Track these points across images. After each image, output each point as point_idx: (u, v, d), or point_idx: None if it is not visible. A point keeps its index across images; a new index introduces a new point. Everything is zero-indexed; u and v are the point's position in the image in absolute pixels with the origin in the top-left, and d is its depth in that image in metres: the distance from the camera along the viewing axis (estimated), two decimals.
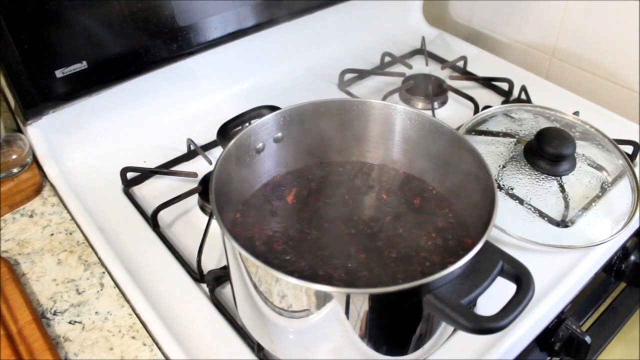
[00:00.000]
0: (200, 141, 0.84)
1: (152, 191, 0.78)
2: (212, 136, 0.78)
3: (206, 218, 0.73)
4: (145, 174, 0.80)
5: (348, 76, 0.99)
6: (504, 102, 0.95)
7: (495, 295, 0.48)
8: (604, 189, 0.73)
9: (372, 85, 1.01)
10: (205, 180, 0.76)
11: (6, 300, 0.60)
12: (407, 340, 0.49)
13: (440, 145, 0.59)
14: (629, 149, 0.81)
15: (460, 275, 0.44)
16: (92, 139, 0.81)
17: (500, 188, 0.72)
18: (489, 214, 0.48)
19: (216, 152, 0.84)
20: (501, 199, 0.71)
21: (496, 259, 0.45)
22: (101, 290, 0.64)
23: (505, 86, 0.97)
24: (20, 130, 0.81)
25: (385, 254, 0.54)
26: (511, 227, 0.67)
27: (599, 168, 0.75)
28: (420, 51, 1.09)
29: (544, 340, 0.69)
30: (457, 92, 0.95)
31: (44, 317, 0.61)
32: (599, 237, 0.68)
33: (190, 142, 0.83)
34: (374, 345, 0.48)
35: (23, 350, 0.56)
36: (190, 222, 0.74)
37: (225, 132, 0.73)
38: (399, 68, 1.02)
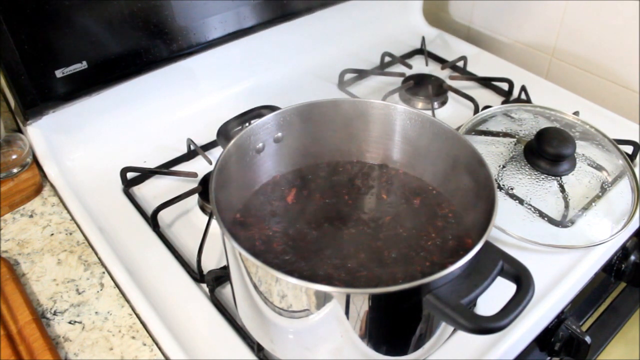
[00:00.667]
0: (200, 141, 0.84)
1: (152, 191, 0.78)
2: (212, 136, 0.77)
3: (206, 218, 0.73)
4: (145, 174, 0.80)
5: (348, 76, 0.99)
6: (504, 102, 0.95)
7: (495, 295, 0.48)
8: (604, 189, 0.73)
9: (372, 85, 1.01)
10: (205, 180, 0.76)
11: (6, 300, 0.60)
12: (407, 340, 0.49)
13: (440, 145, 0.59)
14: (629, 149, 0.81)
15: (460, 275, 0.44)
16: (92, 139, 0.81)
17: (500, 188, 0.72)
18: (489, 214, 0.48)
19: (216, 152, 0.84)
20: (501, 199, 0.71)
21: (496, 258, 0.45)
22: (101, 290, 0.64)
23: (505, 86, 0.97)
24: (20, 130, 0.81)
25: (385, 254, 0.54)
26: (511, 227, 0.67)
27: (599, 168, 0.75)
28: (420, 51, 1.09)
29: (544, 340, 0.69)
30: (457, 92, 0.95)
31: (44, 317, 0.61)
32: (599, 237, 0.68)
33: (190, 142, 0.83)
34: (374, 345, 0.48)
35: (23, 350, 0.56)
36: (190, 222, 0.74)
37: (225, 132, 0.73)
38: (398, 68, 1.02)
